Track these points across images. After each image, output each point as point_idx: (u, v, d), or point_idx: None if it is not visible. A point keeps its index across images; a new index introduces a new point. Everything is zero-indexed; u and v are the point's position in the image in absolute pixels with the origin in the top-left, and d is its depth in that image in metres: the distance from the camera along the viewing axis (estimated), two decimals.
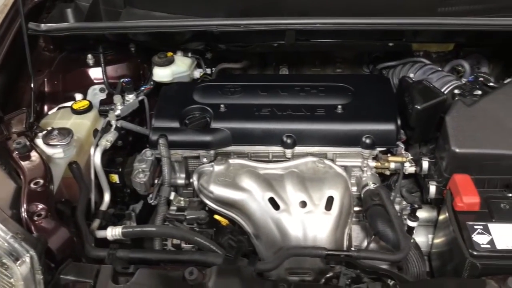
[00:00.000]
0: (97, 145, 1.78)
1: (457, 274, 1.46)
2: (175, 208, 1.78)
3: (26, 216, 1.40)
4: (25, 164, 1.53)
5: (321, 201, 1.62)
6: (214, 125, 1.80)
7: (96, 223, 1.70)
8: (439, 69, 2.09)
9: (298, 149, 1.80)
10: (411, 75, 2.06)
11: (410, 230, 1.71)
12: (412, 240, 1.61)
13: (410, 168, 1.80)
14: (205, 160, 1.80)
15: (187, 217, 1.71)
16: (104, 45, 2.10)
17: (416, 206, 1.68)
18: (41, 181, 1.48)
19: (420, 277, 1.57)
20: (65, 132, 1.67)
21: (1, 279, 1.31)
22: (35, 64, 1.95)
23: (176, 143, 1.79)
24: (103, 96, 2.07)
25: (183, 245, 1.72)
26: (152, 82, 2.09)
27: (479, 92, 1.82)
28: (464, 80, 1.98)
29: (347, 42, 2.08)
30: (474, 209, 1.52)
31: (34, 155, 1.56)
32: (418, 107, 1.72)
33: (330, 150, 1.80)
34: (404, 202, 1.90)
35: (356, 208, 1.79)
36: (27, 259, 1.25)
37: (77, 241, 1.48)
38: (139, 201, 1.99)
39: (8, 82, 1.87)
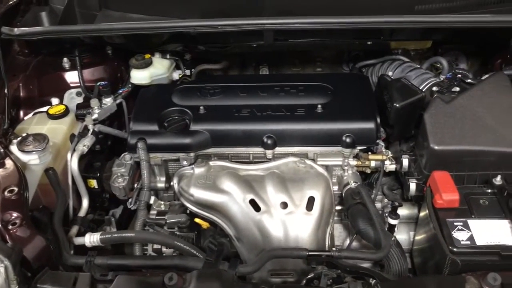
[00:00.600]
0: (74, 150, 1.75)
1: (438, 270, 1.46)
2: (155, 212, 1.76)
3: (0, 225, 1.36)
4: None
5: (302, 202, 1.61)
6: (194, 127, 1.79)
7: (74, 229, 1.66)
8: (418, 66, 2.10)
9: (279, 149, 1.79)
10: (390, 73, 2.06)
11: (392, 228, 1.71)
12: (393, 238, 1.61)
13: (390, 166, 1.81)
14: (185, 163, 1.78)
15: (168, 221, 1.69)
16: (80, 48, 2.07)
17: (396, 204, 1.68)
18: (16, 189, 1.44)
19: (402, 274, 1.58)
20: (40, 138, 1.64)
21: None
22: (9, 68, 1.91)
23: (155, 146, 1.77)
24: (80, 100, 2.04)
25: (164, 249, 1.69)
26: (130, 85, 2.07)
27: (457, 89, 1.83)
28: (442, 77, 1.99)
29: (326, 41, 2.08)
30: (453, 206, 1.53)
31: (8, 162, 1.53)
32: (397, 105, 1.73)
33: (310, 149, 1.80)
34: (386, 200, 1.91)
35: (338, 207, 1.79)
36: (1, 269, 1.22)
37: (55, 248, 1.45)
38: (119, 206, 1.97)
39: None
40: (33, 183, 1.61)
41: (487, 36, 2.07)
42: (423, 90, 1.86)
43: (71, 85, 2.06)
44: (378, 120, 1.79)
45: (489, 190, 1.59)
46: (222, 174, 1.69)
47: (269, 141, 1.76)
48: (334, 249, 1.43)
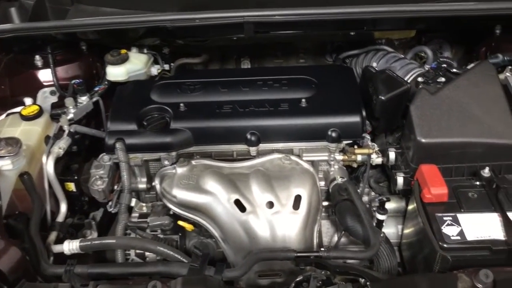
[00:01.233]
0: (49, 153, 1.68)
1: (427, 265, 1.44)
2: (137, 215, 1.71)
3: None
4: None
5: (288, 201, 1.57)
6: (174, 125, 1.72)
7: (53, 236, 1.60)
8: (402, 56, 2.07)
9: (263, 146, 1.74)
10: (374, 64, 2.03)
11: (380, 223, 1.68)
12: (382, 234, 1.58)
13: (377, 159, 1.77)
14: (166, 162, 1.72)
15: (150, 224, 1.64)
16: (52, 45, 1.99)
17: (384, 199, 1.65)
18: None
19: (391, 271, 1.55)
20: (13, 142, 1.57)
21: None
22: None
23: (135, 146, 1.70)
24: (54, 99, 1.96)
25: (148, 253, 1.64)
26: (106, 82, 2.00)
27: (443, 79, 1.80)
28: (427, 67, 1.96)
29: (309, 32, 2.03)
30: (442, 200, 1.50)
31: None
32: (382, 97, 1.69)
33: (296, 145, 1.76)
34: (373, 193, 1.88)
35: (325, 203, 1.76)
36: None
37: (32, 258, 1.39)
38: (100, 208, 1.90)
39: None
40: (7, 190, 1.54)
41: (471, 24, 2.04)
42: (408, 81, 1.82)
43: (45, 83, 1.99)
44: (364, 113, 1.75)
45: (478, 183, 1.57)
46: (206, 173, 1.64)
47: (252, 138, 1.71)
48: (322, 249, 1.40)
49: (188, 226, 1.59)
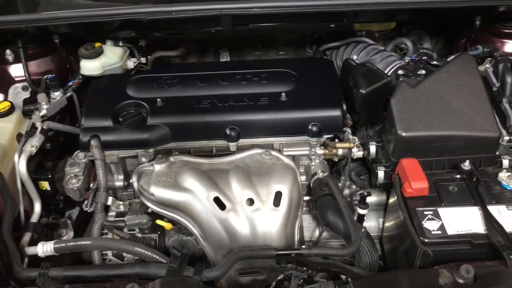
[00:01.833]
0: (21, 151, 1.62)
1: (408, 259, 1.44)
2: (114, 214, 1.66)
3: None
4: None
5: (268, 197, 1.55)
6: (151, 121, 1.68)
7: (26, 237, 1.55)
8: (382, 48, 2.05)
9: (243, 141, 1.72)
10: (354, 57, 2.01)
11: (361, 218, 1.67)
12: (363, 230, 1.57)
13: (358, 153, 1.76)
14: (144, 159, 1.68)
15: (128, 223, 1.60)
16: (24, 39, 1.91)
17: (365, 193, 1.64)
18: None
19: (373, 266, 1.55)
20: None
21: None
22: None
23: (110, 143, 1.66)
24: (26, 95, 1.90)
25: (126, 254, 1.60)
26: (80, 76, 1.94)
27: (423, 71, 1.79)
28: (407, 59, 1.95)
29: (288, 25, 1.99)
30: (423, 194, 1.49)
31: None
32: (363, 91, 1.67)
33: (276, 140, 1.74)
34: (354, 186, 1.88)
35: (306, 198, 1.74)
36: None
37: (4, 261, 1.34)
38: (76, 207, 1.85)
39: None
40: None
41: (450, 15, 2.03)
42: (389, 74, 1.80)
43: (16, 79, 1.92)
44: (344, 107, 1.73)
45: (458, 176, 1.57)
46: (184, 170, 1.60)
47: (232, 133, 1.68)
48: (304, 246, 1.39)
49: (167, 225, 1.56)
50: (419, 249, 1.37)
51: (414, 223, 1.43)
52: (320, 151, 1.75)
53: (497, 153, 1.66)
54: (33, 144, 1.64)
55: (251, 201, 1.54)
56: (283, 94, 1.73)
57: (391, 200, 1.67)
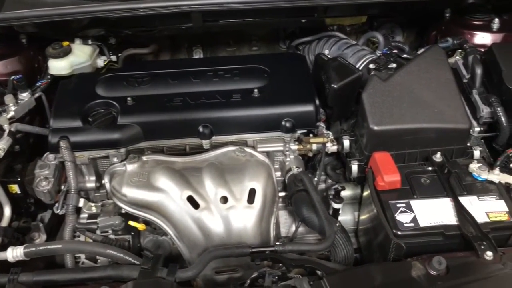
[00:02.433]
0: None
1: (382, 252, 1.45)
2: (86, 216, 1.63)
3: None
4: None
5: (242, 195, 1.54)
6: (122, 120, 1.65)
7: None
8: (354, 43, 2.05)
9: (216, 138, 1.70)
10: (326, 51, 2.01)
11: (335, 212, 1.68)
12: (337, 224, 1.57)
13: (332, 148, 1.76)
14: (115, 159, 1.65)
15: (100, 224, 1.57)
16: None
17: (339, 188, 1.64)
18: None
19: (348, 260, 1.56)
20: None
21: None
22: None
23: (80, 144, 1.63)
24: None
25: (99, 256, 1.58)
26: (49, 76, 1.89)
27: (394, 65, 1.80)
28: (379, 53, 1.95)
29: (259, 20, 1.97)
30: (395, 187, 1.50)
31: None
32: (335, 86, 1.67)
33: (250, 137, 1.73)
34: (330, 181, 1.88)
35: (282, 194, 1.73)
36: None
37: None
38: (48, 210, 1.81)
39: None
40: None
41: (421, 8, 2.04)
42: (360, 68, 1.81)
43: None
44: (317, 102, 1.73)
45: (430, 168, 1.58)
46: (157, 170, 1.58)
47: (205, 131, 1.67)
48: (278, 243, 1.38)
49: (140, 226, 1.54)
50: (392, 242, 1.38)
51: (387, 216, 1.44)
52: (294, 146, 1.75)
53: (468, 144, 1.68)
54: (1, 147, 1.60)
55: (225, 199, 1.53)
56: (256, 90, 1.72)
57: (365, 194, 1.68)
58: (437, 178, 1.54)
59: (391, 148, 1.60)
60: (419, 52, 1.88)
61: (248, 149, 1.69)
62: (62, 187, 1.66)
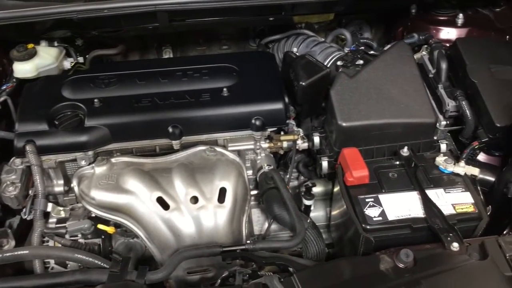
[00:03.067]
0: None
1: (353, 247, 1.46)
2: (54, 220, 1.60)
3: None
4: None
5: (213, 194, 1.54)
6: (89, 123, 1.63)
7: None
8: (322, 40, 2.07)
9: (186, 138, 1.69)
10: (295, 49, 2.01)
11: (307, 208, 1.69)
12: (308, 220, 1.59)
13: (303, 145, 1.77)
14: (83, 162, 1.63)
15: (69, 229, 1.55)
16: None
17: (310, 184, 1.65)
18: None
19: (320, 255, 1.57)
20: None
21: None
22: None
23: (47, 147, 1.60)
24: None
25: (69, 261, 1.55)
26: (14, 80, 1.85)
27: (361, 61, 1.81)
28: (346, 50, 1.97)
29: (227, 19, 1.97)
30: (364, 182, 1.52)
31: None
32: (303, 83, 1.68)
33: (220, 136, 1.72)
34: (302, 178, 1.89)
35: (254, 192, 1.74)
36: None
37: None
38: (16, 215, 1.77)
39: None
40: None
41: (387, 4, 2.07)
42: (328, 65, 1.82)
43: None
44: (286, 99, 1.73)
45: (397, 162, 1.60)
46: (125, 171, 1.57)
47: (175, 131, 1.65)
48: (248, 241, 1.38)
49: (109, 229, 1.52)
50: (361, 236, 1.39)
51: (356, 211, 1.45)
52: (265, 144, 1.75)
53: (435, 138, 1.71)
54: None
55: (195, 199, 1.52)
56: (225, 89, 1.72)
57: (335, 190, 1.69)
58: (404, 172, 1.56)
59: (360, 143, 1.62)
60: (386, 48, 1.90)
61: (218, 149, 1.69)
62: (30, 192, 1.63)
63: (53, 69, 1.89)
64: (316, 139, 1.76)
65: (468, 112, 1.72)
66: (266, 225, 1.74)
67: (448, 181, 1.54)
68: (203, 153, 1.67)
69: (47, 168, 1.63)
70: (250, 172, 1.77)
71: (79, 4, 1.63)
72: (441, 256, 1.30)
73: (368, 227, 1.41)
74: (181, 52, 2.34)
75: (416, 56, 1.90)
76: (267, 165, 1.71)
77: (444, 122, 1.75)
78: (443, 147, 1.69)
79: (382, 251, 1.30)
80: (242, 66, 1.82)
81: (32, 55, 1.82)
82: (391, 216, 1.43)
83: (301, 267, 1.32)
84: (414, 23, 2.11)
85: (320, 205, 1.81)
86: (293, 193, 1.82)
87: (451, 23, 2.07)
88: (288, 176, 1.77)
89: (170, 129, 1.65)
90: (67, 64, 1.97)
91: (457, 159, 1.60)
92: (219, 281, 1.28)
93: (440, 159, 1.58)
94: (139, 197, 1.52)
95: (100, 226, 1.51)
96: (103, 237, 1.58)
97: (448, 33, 2.05)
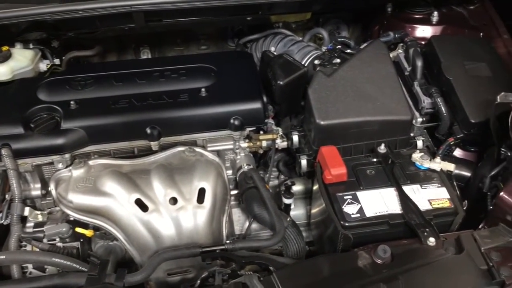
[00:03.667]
0: None
1: (332, 244, 1.47)
2: (32, 224, 1.58)
3: None
4: None
5: (192, 195, 1.53)
6: (65, 125, 1.61)
7: None
8: (300, 39, 2.08)
9: (165, 139, 1.69)
10: (272, 48, 2.02)
11: (287, 207, 1.70)
12: (288, 219, 1.59)
13: (282, 144, 1.78)
14: (60, 165, 1.61)
15: (46, 233, 1.53)
16: None
17: (289, 183, 1.66)
18: None
19: (300, 253, 1.58)
20: None
21: None
22: None
23: (23, 151, 1.58)
24: None
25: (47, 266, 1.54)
26: None
27: (338, 60, 1.83)
28: (324, 49, 1.98)
29: (204, 19, 1.97)
30: (342, 180, 1.53)
31: None
32: (281, 82, 1.69)
33: (199, 136, 1.72)
34: (282, 176, 1.90)
35: (234, 192, 1.74)
36: None
37: None
38: None
39: None
40: None
41: (363, 3, 2.08)
42: (306, 64, 1.83)
43: None
44: (265, 99, 1.74)
45: (375, 159, 1.62)
46: (103, 174, 1.56)
47: (153, 132, 1.64)
48: (228, 241, 1.38)
49: (88, 232, 1.51)
50: (340, 233, 1.40)
51: (335, 209, 1.46)
52: (244, 144, 1.75)
53: (411, 134, 1.73)
54: None
55: (174, 200, 1.52)
56: (203, 89, 1.72)
57: (314, 188, 1.70)
58: (381, 169, 1.57)
59: (338, 141, 1.63)
60: (362, 47, 1.92)
61: (198, 149, 1.69)
62: (6, 196, 1.61)
63: (29, 71, 1.86)
64: (295, 138, 1.77)
65: (443, 109, 1.75)
66: (247, 225, 1.74)
67: (424, 177, 1.56)
68: (182, 154, 1.66)
69: (23, 171, 1.60)
70: (230, 172, 1.77)
71: (54, 6, 1.61)
72: (417, 251, 1.32)
73: (346, 224, 1.42)
74: (159, 53, 2.33)
75: (392, 54, 1.92)
76: (247, 164, 1.72)
77: (420, 119, 1.77)
78: (420, 143, 1.71)
79: (360, 248, 1.32)
80: (220, 66, 1.82)
81: (6, 57, 1.79)
82: (369, 213, 1.45)
83: (281, 266, 1.33)
84: (390, 22, 2.13)
85: (300, 204, 1.82)
86: (273, 192, 1.83)
87: (426, 21, 2.10)
88: (268, 175, 1.78)
89: (148, 130, 1.64)
90: (43, 66, 1.95)
91: (433, 155, 1.63)
92: (199, 282, 1.27)
93: (416, 156, 1.60)
94: (117, 199, 1.50)
95: (78, 230, 1.50)
96: (81, 240, 1.56)
97: (423, 31, 2.08)
